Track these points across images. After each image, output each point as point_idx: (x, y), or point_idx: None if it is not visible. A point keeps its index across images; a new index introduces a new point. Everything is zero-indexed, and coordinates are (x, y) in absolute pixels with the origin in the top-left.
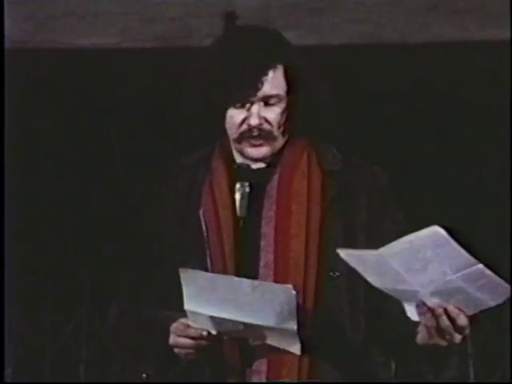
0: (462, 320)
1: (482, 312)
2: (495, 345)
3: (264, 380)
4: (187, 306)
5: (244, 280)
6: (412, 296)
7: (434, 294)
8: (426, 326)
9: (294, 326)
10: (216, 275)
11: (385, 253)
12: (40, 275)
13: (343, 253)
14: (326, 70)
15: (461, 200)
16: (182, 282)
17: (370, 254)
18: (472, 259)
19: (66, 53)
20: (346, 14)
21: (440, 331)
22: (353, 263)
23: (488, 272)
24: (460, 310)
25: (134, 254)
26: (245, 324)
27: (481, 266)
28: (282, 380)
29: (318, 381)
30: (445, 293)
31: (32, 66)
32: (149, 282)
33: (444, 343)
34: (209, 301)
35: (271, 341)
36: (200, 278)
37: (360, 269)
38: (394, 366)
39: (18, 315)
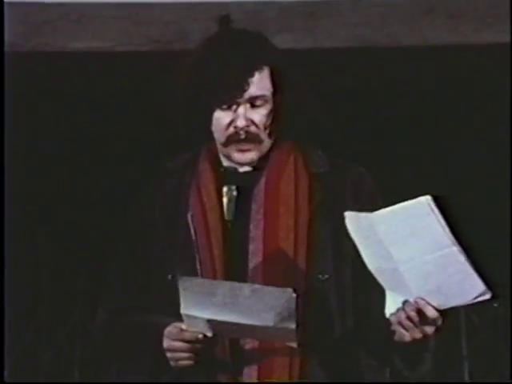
0: (430, 311)
1: (453, 309)
2: (490, 347)
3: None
4: (184, 310)
5: (243, 284)
6: (394, 281)
7: (411, 275)
8: (397, 320)
9: (293, 325)
10: (215, 281)
11: (375, 218)
12: (36, 277)
13: (348, 215)
14: (321, 74)
15: (454, 200)
16: (180, 288)
17: (364, 218)
18: (450, 240)
19: (60, 56)
20: (340, 17)
21: (410, 322)
22: (352, 230)
23: (462, 259)
24: (428, 302)
25: (124, 257)
26: (242, 325)
27: (456, 248)
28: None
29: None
30: (420, 276)
31: (27, 70)
32: (138, 287)
33: (419, 335)
34: (207, 305)
35: (268, 339)
36: (199, 285)
37: (356, 238)
38: (388, 370)
39: (14, 317)
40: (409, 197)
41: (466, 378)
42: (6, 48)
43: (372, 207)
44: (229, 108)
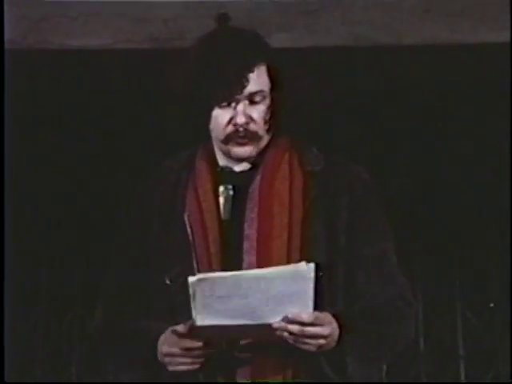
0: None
1: None
2: (486, 346)
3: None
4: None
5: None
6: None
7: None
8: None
9: None
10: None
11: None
12: (33, 276)
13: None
14: (320, 72)
15: (448, 200)
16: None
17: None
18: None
19: (58, 54)
20: (339, 16)
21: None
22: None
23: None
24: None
25: (121, 257)
26: (250, 325)
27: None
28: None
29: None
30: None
31: (25, 67)
32: (135, 287)
33: (313, 348)
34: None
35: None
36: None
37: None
38: (385, 368)
39: (11, 317)
40: (404, 194)
41: (462, 378)
42: (5, 45)
43: (367, 205)
44: (228, 105)
